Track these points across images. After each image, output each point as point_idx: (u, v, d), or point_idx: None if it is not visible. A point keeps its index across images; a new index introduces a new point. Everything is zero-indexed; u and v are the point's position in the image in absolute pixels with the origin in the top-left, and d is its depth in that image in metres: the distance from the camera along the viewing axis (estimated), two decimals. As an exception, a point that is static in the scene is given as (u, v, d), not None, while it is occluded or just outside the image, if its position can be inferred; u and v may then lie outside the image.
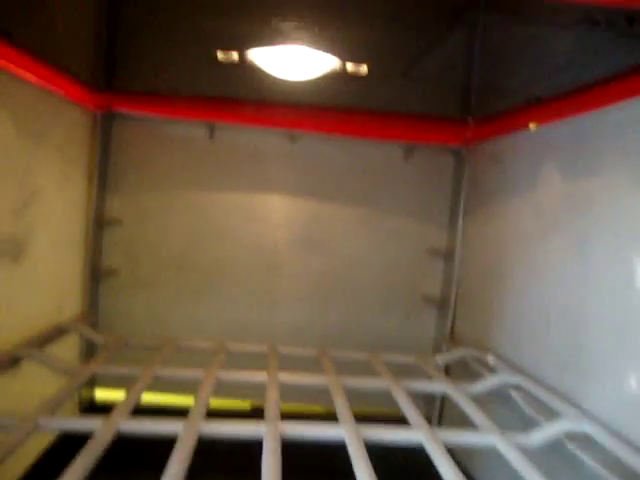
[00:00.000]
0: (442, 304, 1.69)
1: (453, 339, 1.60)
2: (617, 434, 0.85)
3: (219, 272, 1.68)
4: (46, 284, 1.33)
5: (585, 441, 0.88)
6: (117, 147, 1.63)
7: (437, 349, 1.69)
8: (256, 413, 1.54)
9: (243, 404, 1.64)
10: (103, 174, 1.60)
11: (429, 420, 1.65)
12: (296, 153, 1.67)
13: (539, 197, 1.21)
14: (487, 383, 1.14)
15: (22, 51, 1.06)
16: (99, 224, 1.60)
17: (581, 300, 1.02)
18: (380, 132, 1.61)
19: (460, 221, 1.63)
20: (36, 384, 1.16)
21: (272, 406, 0.95)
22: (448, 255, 1.69)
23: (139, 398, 0.97)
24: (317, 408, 1.56)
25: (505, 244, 1.37)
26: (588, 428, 0.88)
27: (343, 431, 0.86)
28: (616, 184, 0.94)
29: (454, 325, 1.62)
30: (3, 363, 1.04)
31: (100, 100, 1.51)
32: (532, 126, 1.20)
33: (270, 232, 1.69)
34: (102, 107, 1.53)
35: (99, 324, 1.63)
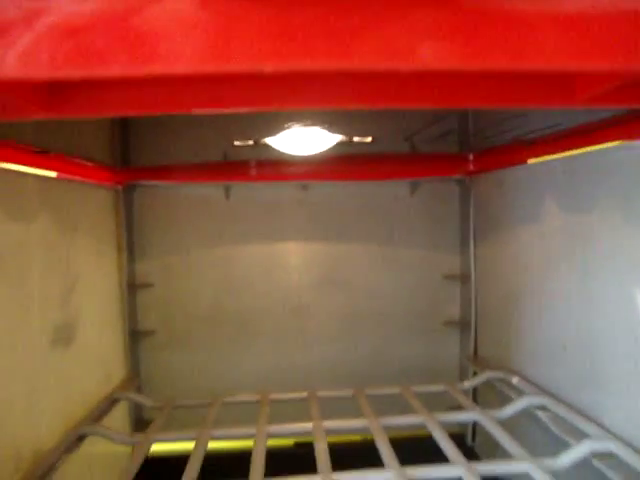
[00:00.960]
0: (464, 327, 1.78)
1: (477, 360, 1.67)
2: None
3: (250, 321, 1.77)
4: (95, 357, 1.43)
5: (610, 458, 0.97)
6: (140, 215, 1.73)
7: (463, 370, 1.77)
8: (300, 448, 1.65)
9: (288, 441, 1.73)
10: (130, 242, 1.70)
11: (464, 437, 1.74)
12: (308, 200, 1.77)
13: (542, 226, 1.29)
14: (514, 406, 1.22)
15: (54, 157, 1.17)
16: (132, 290, 1.70)
17: (590, 323, 1.10)
18: (386, 174, 1.70)
19: (472, 246, 1.71)
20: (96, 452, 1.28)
21: (322, 456, 1.04)
22: (464, 279, 1.77)
23: (200, 461, 1.06)
24: (356, 437, 1.65)
25: (517, 267, 1.45)
26: (613, 447, 0.96)
27: (391, 475, 0.95)
28: (609, 220, 1.03)
29: (477, 346, 1.70)
30: (71, 443, 1.14)
31: (120, 176, 1.61)
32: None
33: (293, 276, 1.79)
34: (122, 182, 1.63)
35: (142, 384, 1.73)
